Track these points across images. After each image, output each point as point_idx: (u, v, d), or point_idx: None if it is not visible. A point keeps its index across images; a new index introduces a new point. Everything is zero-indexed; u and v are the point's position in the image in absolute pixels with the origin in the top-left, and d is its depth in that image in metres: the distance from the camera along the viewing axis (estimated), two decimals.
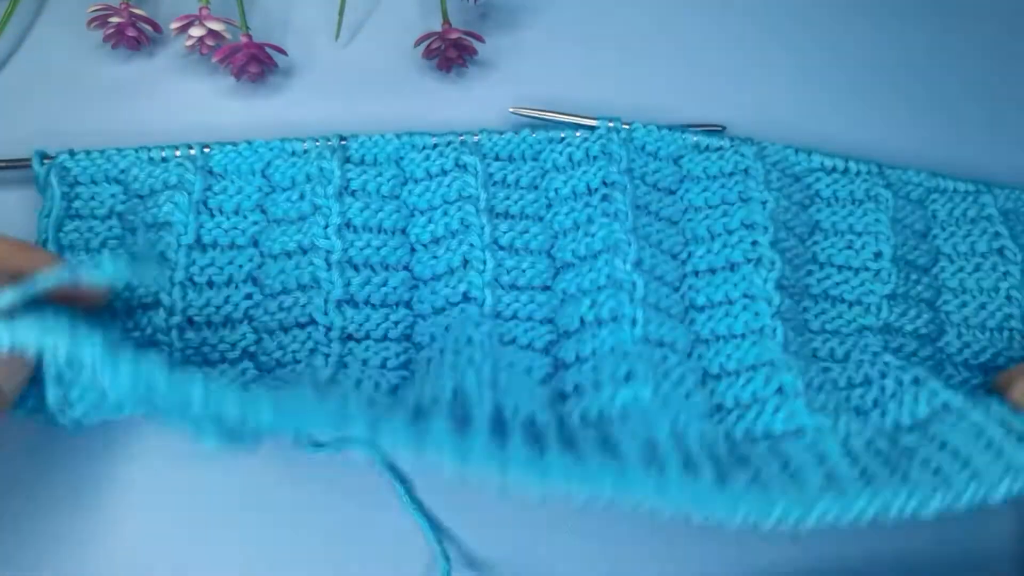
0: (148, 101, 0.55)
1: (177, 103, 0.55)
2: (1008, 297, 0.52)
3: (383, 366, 0.49)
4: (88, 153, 0.50)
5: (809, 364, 0.50)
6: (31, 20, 0.56)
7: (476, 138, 0.53)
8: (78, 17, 0.54)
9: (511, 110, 0.54)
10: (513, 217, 0.52)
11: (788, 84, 0.59)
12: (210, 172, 0.50)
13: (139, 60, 0.56)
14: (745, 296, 0.51)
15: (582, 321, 0.49)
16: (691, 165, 0.54)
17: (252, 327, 0.49)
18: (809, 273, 0.53)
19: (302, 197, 0.50)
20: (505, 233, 0.51)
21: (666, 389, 0.46)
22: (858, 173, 0.54)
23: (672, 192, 0.54)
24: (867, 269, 0.53)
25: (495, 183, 0.52)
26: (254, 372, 0.48)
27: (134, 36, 0.54)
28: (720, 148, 0.54)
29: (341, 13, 0.56)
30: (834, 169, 0.54)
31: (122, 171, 0.50)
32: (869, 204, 0.53)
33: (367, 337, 0.49)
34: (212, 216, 0.50)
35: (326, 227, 0.50)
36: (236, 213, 0.50)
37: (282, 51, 0.54)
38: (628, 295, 0.49)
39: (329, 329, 0.48)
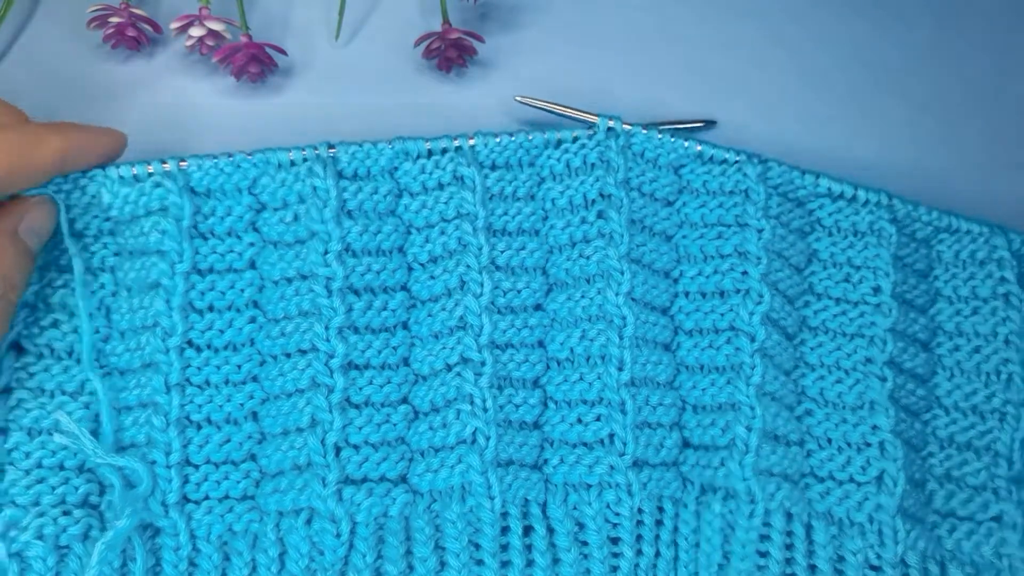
0: (148, 101, 0.55)
1: (177, 103, 0.55)
2: (1006, 341, 0.51)
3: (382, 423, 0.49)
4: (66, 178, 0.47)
5: (781, 413, 0.50)
6: (27, 19, 0.56)
7: (471, 142, 0.51)
8: (77, 17, 0.54)
9: (517, 99, 0.54)
10: (510, 234, 0.51)
11: (786, 84, 0.59)
12: (194, 192, 0.48)
13: (139, 60, 0.56)
14: (731, 328, 0.51)
15: (572, 352, 0.50)
16: (692, 176, 0.52)
17: (256, 349, 0.49)
18: (807, 304, 0.52)
19: (296, 219, 0.49)
20: (503, 252, 0.51)
21: (644, 454, 0.49)
22: (865, 203, 0.52)
23: (670, 203, 0.53)
24: (866, 303, 0.52)
25: (492, 196, 0.51)
26: (261, 395, 0.49)
27: (134, 36, 0.54)
28: (724, 162, 0.52)
29: (341, 13, 0.56)
30: (841, 196, 0.52)
31: (93, 196, 0.48)
32: (871, 238, 0.52)
33: (367, 365, 0.49)
34: (206, 240, 0.49)
35: (326, 253, 0.49)
36: (230, 235, 0.49)
37: (282, 51, 0.54)
38: (618, 332, 0.49)
39: (331, 356, 0.48)
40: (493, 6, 0.59)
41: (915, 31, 0.61)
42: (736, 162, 0.52)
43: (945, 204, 0.53)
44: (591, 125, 0.52)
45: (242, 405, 0.48)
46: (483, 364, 0.49)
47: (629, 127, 0.52)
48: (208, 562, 0.47)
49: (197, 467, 0.48)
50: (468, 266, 0.50)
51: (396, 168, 0.50)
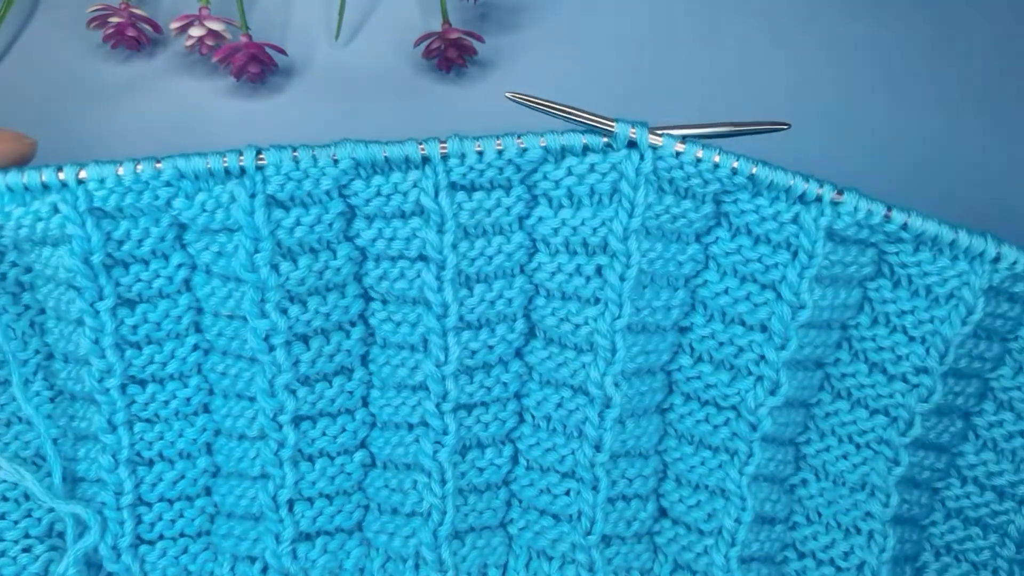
0: (148, 101, 0.55)
1: (177, 103, 0.55)
2: None
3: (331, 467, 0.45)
4: None
5: (773, 493, 0.45)
6: (27, 19, 0.56)
7: (443, 150, 0.39)
8: (77, 17, 0.54)
9: (507, 95, 0.41)
10: (487, 279, 0.42)
11: (786, 84, 0.59)
12: (102, 212, 0.39)
13: (139, 60, 0.56)
14: (733, 408, 0.44)
15: (548, 417, 0.45)
16: (732, 208, 0.41)
17: (205, 378, 0.44)
18: (836, 362, 0.44)
19: (222, 255, 0.40)
20: (476, 308, 0.42)
21: (614, 530, 0.45)
22: (959, 255, 0.40)
23: (698, 239, 0.42)
24: (905, 381, 0.43)
25: (467, 234, 0.41)
26: (214, 426, 0.45)
27: (134, 36, 0.54)
28: (779, 195, 0.40)
29: (341, 13, 0.56)
30: (936, 243, 0.40)
31: None
32: (942, 309, 0.41)
33: (321, 414, 0.44)
34: (127, 267, 0.40)
35: (262, 302, 0.40)
36: (154, 256, 0.41)
37: (282, 51, 0.54)
38: (599, 412, 0.43)
39: (279, 411, 0.42)
40: (493, 6, 0.59)
41: (915, 31, 0.61)
42: (791, 205, 0.40)
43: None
44: (607, 132, 0.40)
45: (195, 440, 0.44)
46: (445, 432, 0.43)
47: (659, 141, 0.39)
48: None
49: (151, 505, 0.44)
50: (430, 328, 0.42)
51: (346, 185, 0.40)
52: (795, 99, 0.59)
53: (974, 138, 0.59)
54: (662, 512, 0.47)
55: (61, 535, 0.45)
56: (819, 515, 0.46)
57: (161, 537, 0.45)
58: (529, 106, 0.40)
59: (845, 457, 0.45)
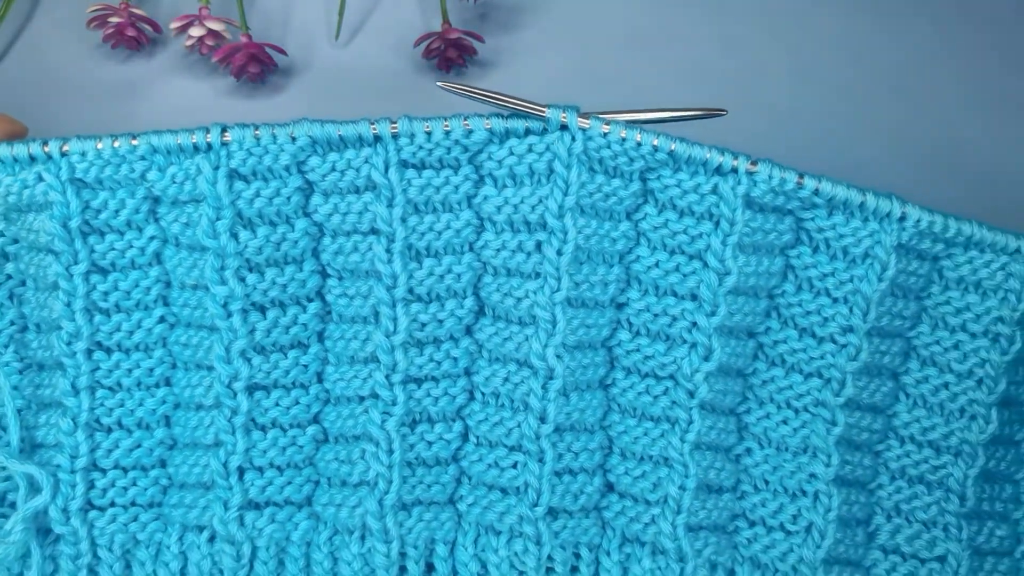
0: (148, 101, 0.55)
1: (177, 103, 0.55)
2: (979, 382, 0.46)
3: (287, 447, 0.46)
4: None
5: (717, 461, 0.46)
6: (27, 19, 0.56)
7: (394, 128, 0.42)
8: (77, 17, 0.54)
9: (439, 85, 0.44)
10: (437, 254, 0.44)
11: (786, 84, 0.59)
12: (82, 183, 0.43)
13: (139, 60, 0.56)
14: (671, 378, 0.46)
15: (495, 392, 0.46)
16: (657, 185, 0.44)
17: (169, 351, 0.46)
18: (767, 331, 0.46)
19: (189, 225, 0.44)
20: (425, 280, 0.44)
21: (561, 503, 0.46)
22: (869, 217, 0.44)
23: (628, 216, 0.45)
24: (833, 341, 0.46)
25: (417, 209, 0.44)
26: (174, 399, 0.46)
27: (134, 36, 0.54)
28: (698, 168, 0.43)
29: (341, 13, 0.56)
30: (844, 205, 0.44)
31: None
32: (860, 268, 0.44)
33: (275, 385, 0.45)
34: (103, 236, 0.44)
35: (222, 269, 0.43)
36: (129, 227, 0.44)
37: (282, 51, 0.54)
38: (543, 384, 0.45)
39: (234, 378, 0.44)
40: (493, 6, 0.59)
41: (915, 31, 0.61)
42: (709, 178, 0.43)
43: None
44: (540, 118, 0.43)
45: (154, 411, 0.46)
46: (393, 403, 0.45)
47: (587, 123, 0.42)
48: (109, 571, 0.46)
49: (104, 472, 0.46)
50: (380, 299, 0.44)
51: (303, 162, 0.43)
52: (795, 99, 0.59)
53: (974, 138, 0.59)
54: (609, 487, 0.48)
55: (13, 505, 0.46)
56: (766, 482, 0.47)
57: (112, 504, 0.46)
58: (461, 95, 0.43)
59: (785, 422, 0.47)
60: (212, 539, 0.46)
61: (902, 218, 0.44)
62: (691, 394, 0.45)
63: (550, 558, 0.47)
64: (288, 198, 0.43)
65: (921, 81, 0.60)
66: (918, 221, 0.44)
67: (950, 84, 0.60)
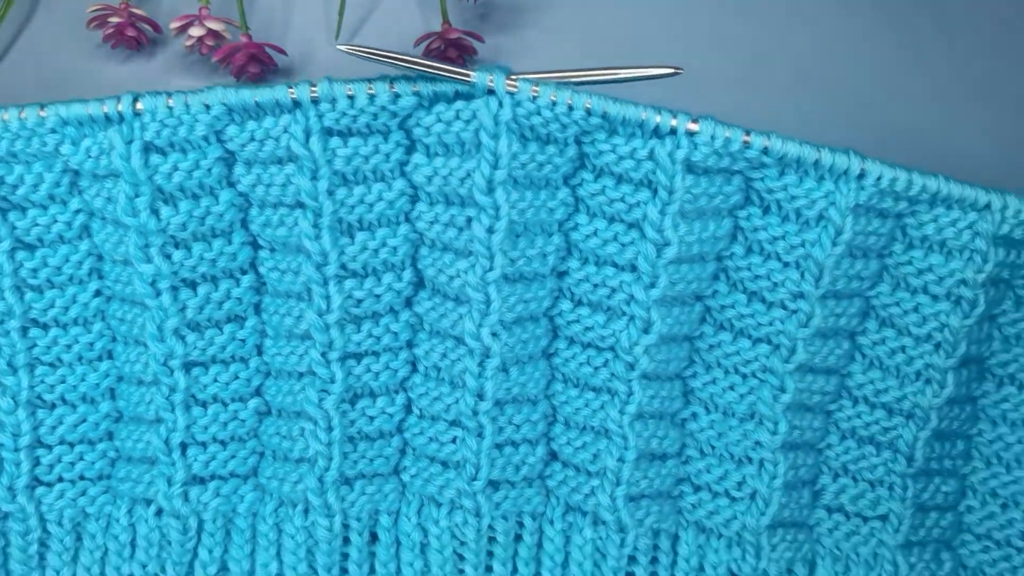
0: None
1: None
2: (937, 346, 0.44)
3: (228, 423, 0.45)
4: None
5: (659, 429, 0.45)
6: (27, 19, 0.56)
7: (314, 92, 0.39)
8: (77, 17, 0.54)
9: (339, 47, 0.41)
10: (370, 227, 0.42)
11: (786, 84, 0.59)
12: None
13: (139, 60, 0.56)
14: (610, 350, 0.44)
15: (435, 367, 0.45)
16: (592, 150, 0.41)
17: (108, 324, 0.45)
18: (715, 294, 0.44)
19: (110, 200, 0.42)
20: (357, 256, 0.42)
21: (502, 475, 0.46)
22: (825, 175, 0.40)
23: (566, 182, 0.42)
24: (783, 307, 0.43)
25: (346, 180, 0.41)
26: (116, 372, 0.46)
27: (134, 36, 0.54)
28: (635, 131, 0.40)
29: (341, 13, 0.56)
30: (800, 165, 0.40)
31: None
32: (812, 232, 0.42)
33: (213, 360, 0.44)
34: (24, 211, 0.42)
35: (146, 247, 0.41)
36: (52, 201, 0.42)
37: (282, 51, 0.54)
38: (478, 362, 0.43)
39: (169, 356, 0.43)
40: (493, 6, 0.59)
41: (915, 31, 0.61)
42: (646, 143, 0.40)
43: None
44: (466, 83, 0.40)
45: (98, 384, 0.45)
46: (332, 381, 0.44)
47: (515, 86, 0.39)
48: (59, 545, 0.46)
49: (50, 448, 0.45)
50: (309, 277, 0.42)
51: (221, 131, 0.41)
52: (795, 98, 0.59)
53: (974, 138, 0.59)
54: (553, 455, 0.47)
55: None
56: (712, 448, 0.46)
57: (60, 479, 0.45)
58: (369, 59, 0.39)
59: (732, 388, 0.46)
60: (159, 513, 0.46)
61: (861, 175, 0.40)
62: (631, 367, 0.44)
63: (491, 528, 0.46)
64: (209, 169, 0.41)
65: (918, 74, 0.60)
66: (879, 178, 0.41)
67: (950, 80, 0.60)
